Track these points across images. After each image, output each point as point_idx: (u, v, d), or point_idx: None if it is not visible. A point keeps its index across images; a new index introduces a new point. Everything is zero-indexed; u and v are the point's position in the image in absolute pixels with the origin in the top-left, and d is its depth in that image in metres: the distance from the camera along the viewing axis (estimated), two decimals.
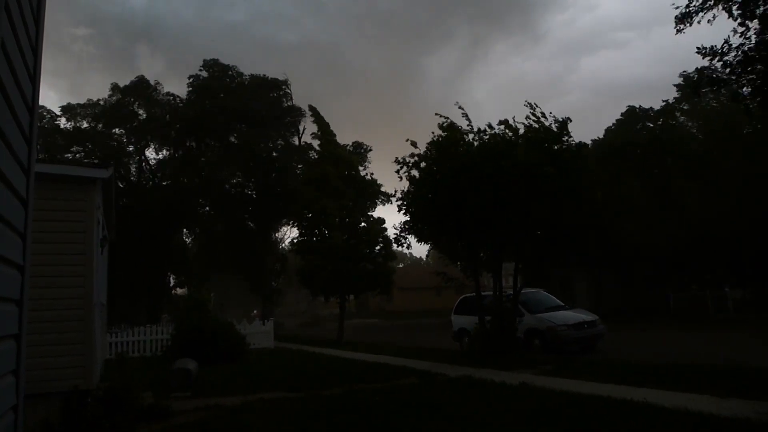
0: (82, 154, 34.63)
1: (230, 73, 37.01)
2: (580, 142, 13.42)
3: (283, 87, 37.27)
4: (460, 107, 13.43)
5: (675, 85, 30.27)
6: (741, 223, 23.97)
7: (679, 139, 28.67)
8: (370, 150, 36.68)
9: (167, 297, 37.01)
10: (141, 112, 36.82)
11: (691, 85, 10.89)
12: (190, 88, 36.36)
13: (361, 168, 32.92)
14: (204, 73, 36.75)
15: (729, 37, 9.63)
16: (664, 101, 31.08)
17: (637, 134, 29.49)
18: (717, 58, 9.74)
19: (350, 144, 33.83)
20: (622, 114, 32.77)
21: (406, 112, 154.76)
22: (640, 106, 32.18)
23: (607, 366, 9.88)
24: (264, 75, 37.26)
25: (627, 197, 26.93)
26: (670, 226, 26.46)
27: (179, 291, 40.27)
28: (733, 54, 9.52)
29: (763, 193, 23.32)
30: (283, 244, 42.23)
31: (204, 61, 36.92)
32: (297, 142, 37.96)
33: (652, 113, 31.29)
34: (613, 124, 33.30)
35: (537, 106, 12.85)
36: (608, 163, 28.13)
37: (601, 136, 32.91)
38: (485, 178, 11.89)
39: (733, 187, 24.88)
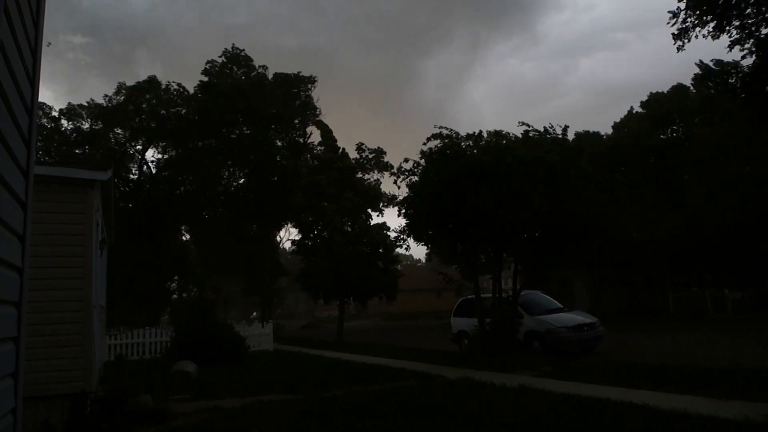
0: (83, 155, 34.64)
1: (252, 64, 36.11)
2: (579, 147, 13.62)
3: (310, 85, 36.56)
4: (449, 129, 13.72)
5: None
6: (741, 225, 23.99)
7: (682, 141, 28.68)
8: (384, 157, 36.31)
9: (168, 299, 37.00)
10: (145, 106, 36.55)
11: (705, 116, 11.19)
12: (205, 78, 35.50)
13: (374, 174, 33.19)
14: (222, 59, 35.82)
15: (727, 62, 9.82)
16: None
17: (643, 137, 29.41)
18: (718, 80, 9.92)
19: (366, 152, 33.86)
20: (641, 103, 32.56)
21: (405, 114, 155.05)
22: (640, 106, 32.16)
23: (607, 368, 9.87)
24: (286, 73, 36.52)
25: (628, 198, 26.98)
26: (671, 227, 26.48)
27: (181, 293, 40.27)
28: (733, 79, 9.69)
29: (763, 194, 23.34)
30: (283, 245, 42.26)
31: (225, 50, 36.08)
32: (305, 143, 37.63)
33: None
34: (616, 123, 33.27)
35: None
36: (610, 163, 28.20)
37: (606, 132, 32.96)
38: (486, 176, 11.93)
39: (735, 189, 24.91)
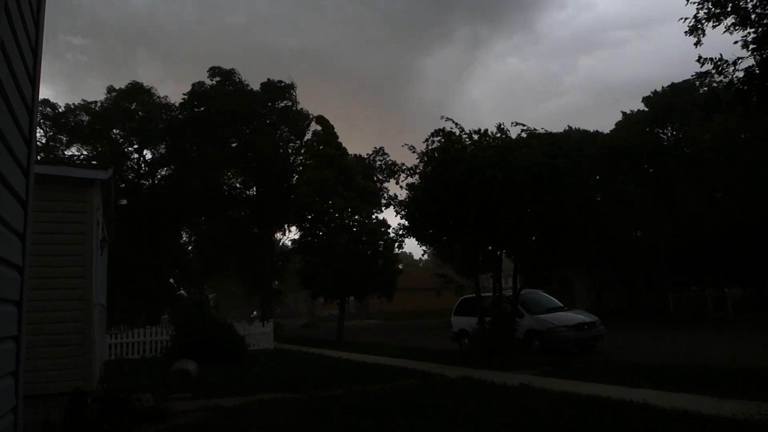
0: (83, 154, 34.69)
1: (234, 78, 36.96)
2: (579, 147, 13.59)
3: (291, 91, 37.26)
4: (452, 120, 13.63)
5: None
6: (741, 225, 23.99)
7: (686, 141, 28.62)
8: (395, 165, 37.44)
9: (168, 298, 36.97)
10: (137, 112, 36.85)
11: (704, 109, 11.14)
12: (190, 93, 36.21)
13: (378, 178, 34.42)
14: (208, 80, 36.76)
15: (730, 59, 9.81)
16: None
17: (643, 136, 29.33)
18: (717, 72, 9.90)
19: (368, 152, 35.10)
20: (643, 99, 32.43)
21: (404, 113, 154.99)
22: (640, 110, 32.04)
23: (607, 367, 9.88)
24: (270, 79, 37.29)
25: (628, 198, 27.00)
26: (670, 227, 26.48)
27: (181, 291, 40.26)
28: (733, 69, 9.67)
29: (763, 194, 23.34)
30: (283, 243, 42.25)
31: (210, 69, 36.83)
32: (301, 145, 37.98)
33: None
34: (621, 119, 33.17)
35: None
36: (609, 163, 28.17)
37: (606, 130, 32.90)
38: (488, 179, 11.91)
39: (735, 189, 24.90)
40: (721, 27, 10.51)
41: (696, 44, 10.81)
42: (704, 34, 10.72)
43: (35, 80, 2.91)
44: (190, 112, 35.25)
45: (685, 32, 10.86)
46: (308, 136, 37.10)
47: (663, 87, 31.22)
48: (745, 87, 9.61)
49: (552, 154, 12.33)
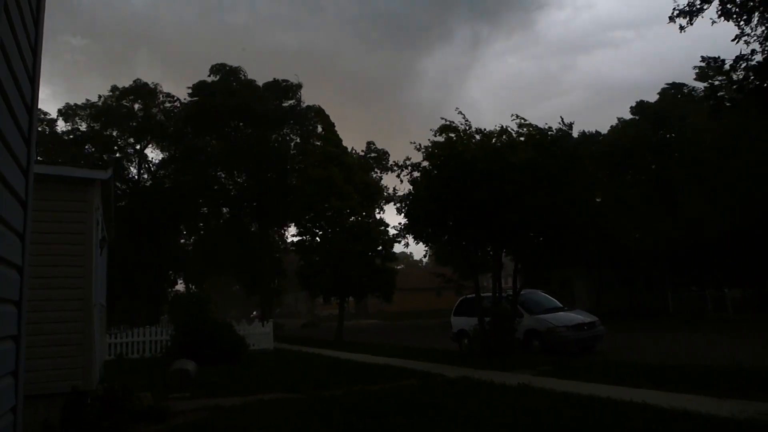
0: (81, 156, 34.68)
1: (240, 76, 36.85)
2: (576, 146, 13.54)
3: (297, 90, 37.12)
4: (460, 112, 13.51)
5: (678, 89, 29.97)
6: (740, 224, 23.98)
7: (685, 141, 28.61)
8: (386, 154, 37.51)
9: (167, 297, 36.97)
10: (139, 112, 36.84)
11: (711, 108, 11.14)
12: (191, 90, 36.25)
13: (376, 173, 34.46)
14: (212, 78, 36.59)
15: (740, 51, 9.78)
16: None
17: (642, 137, 29.29)
18: (720, 73, 9.92)
19: (363, 148, 35.24)
20: (631, 108, 32.29)
21: (404, 112, 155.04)
22: (637, 109, 31.97)
23: (607, 367, 9.88)
24: (275, 79, 37.13)
25: (627, 198, 26.97)
26: (670, 226, 26.47)
27: (179, 290, 40.21)
28: (741, 73, 9.67)
29: (762, 194, 23.33)
30: (284, 241, 42.17)
31: (214, 65, 36.74)
32: (303, 143, 37.93)
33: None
34: (617, 123, 33.11)
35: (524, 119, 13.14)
36: (609, 163, 28.14)
37: (604, 131, 32.83)
38: (486, 176, 11.92)
39: (735, 189, 24.88)
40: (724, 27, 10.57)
41: (681, 28, 10.79)
42: (692, 23, 10.75)
43: (35, 80, 2.90)
44: (193, 107, 35.09)
45: (670, 16, 10.86)
46: (311, 134, 37.05)
47: (659, 92, 31.24)
48: (751, 86, 9.62)
49: (548, 151, 12.31)
